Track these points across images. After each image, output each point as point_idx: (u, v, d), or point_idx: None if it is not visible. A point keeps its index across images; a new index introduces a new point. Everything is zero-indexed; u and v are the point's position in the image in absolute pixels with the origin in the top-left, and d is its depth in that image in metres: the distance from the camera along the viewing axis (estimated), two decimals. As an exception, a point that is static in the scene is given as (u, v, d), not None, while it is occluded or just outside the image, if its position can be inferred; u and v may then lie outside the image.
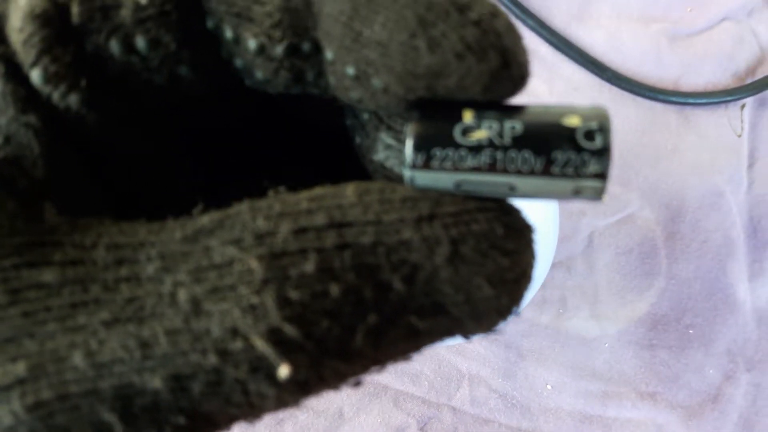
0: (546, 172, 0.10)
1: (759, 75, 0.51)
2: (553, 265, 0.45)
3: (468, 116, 0.10)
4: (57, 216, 0.10)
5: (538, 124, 0.10)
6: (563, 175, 0.10)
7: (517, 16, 0.50)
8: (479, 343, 0.43)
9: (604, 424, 0.43)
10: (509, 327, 0.44)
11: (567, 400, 0.43)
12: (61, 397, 0.08)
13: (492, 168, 0.10)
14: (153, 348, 0.09)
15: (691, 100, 0.49)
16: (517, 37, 0.10)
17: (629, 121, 0.49)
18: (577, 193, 0.10)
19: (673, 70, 0.50)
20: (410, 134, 0.10)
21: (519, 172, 0.10)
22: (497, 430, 0.42)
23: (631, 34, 0.50)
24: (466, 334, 0.11)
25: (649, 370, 0.44)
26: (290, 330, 0.09)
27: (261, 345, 0.09)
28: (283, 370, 0.09)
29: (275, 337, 0.09)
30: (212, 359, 0.09)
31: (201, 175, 0.12)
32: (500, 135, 0.10)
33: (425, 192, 0.10)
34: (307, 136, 0.13)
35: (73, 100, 0.10)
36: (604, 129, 0.09)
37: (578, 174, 0.09)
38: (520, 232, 0.10)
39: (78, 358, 0.08)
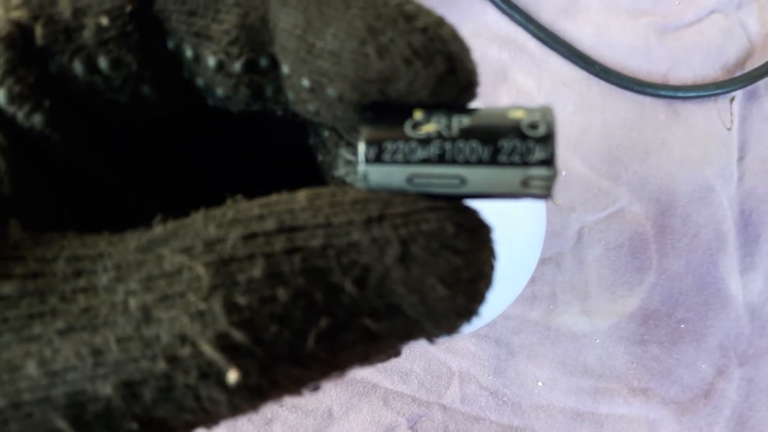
0: (493, 160, 0.10)
1: (748, 67, 0.51)
2: (543, 261, 0.45)
3: (418, 114, 0.10)
4: (21, 231, 0.10)
5: (484, 117, 0.10)
6: (510, 163, 0.10)
7: (504, 11, 0.50)
8: (469, 340, 0.43)
9: (596, 421, 0.43)
10: (499, 324, 0.44)
11: (558, 397, 0.43)
12: (14, 405, 0.09)
13: (441, 159, 0.10)
14: (105, 355, 0.09)
15: (680, 94, 0.49)
16: (463, 45, 0.10)
17: (618, 115, 0.49)
18: (525, 185, 0.10)
19: (662, 63, 0.50)
20: (363, 132, 0.10)
21: (468, 162, 0.10)
22: (488, 427, 0.42)
23: (620, 27, 0.50)
24: (428, 335, 0.11)
25: (641, 365, 0.44)
26: (238, 335, 0.09)
27: (209, 351, 0.09)
28: (232, 375, 0.09)
29: (223, 343, 0.09)
30: (162, 365, 0.09)
31: (169, 194, 0.13)
32: (448, 128, 0.10)
33: (376, 193, 0.10)
34: (272, 156, 0.13)
35: (37, 119, 0.10)
36: (546, 118, 0.10)
37: (525, 161, 0.10)
38: (474, 231, 0.10)
39: (32, 367, 0.09)
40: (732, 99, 0.50)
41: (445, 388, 0.43)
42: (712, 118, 0.49)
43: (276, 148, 0.13)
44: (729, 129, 0.50)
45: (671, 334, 0.45)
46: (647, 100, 0.49)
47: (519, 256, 0.37)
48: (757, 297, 0.46)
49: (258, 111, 0.12)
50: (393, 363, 0.43)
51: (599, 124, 0.49)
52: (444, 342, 0.44)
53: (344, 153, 0.12)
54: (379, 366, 0.43)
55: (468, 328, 0.41)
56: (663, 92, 0.49)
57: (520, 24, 0.50)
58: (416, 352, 0.43)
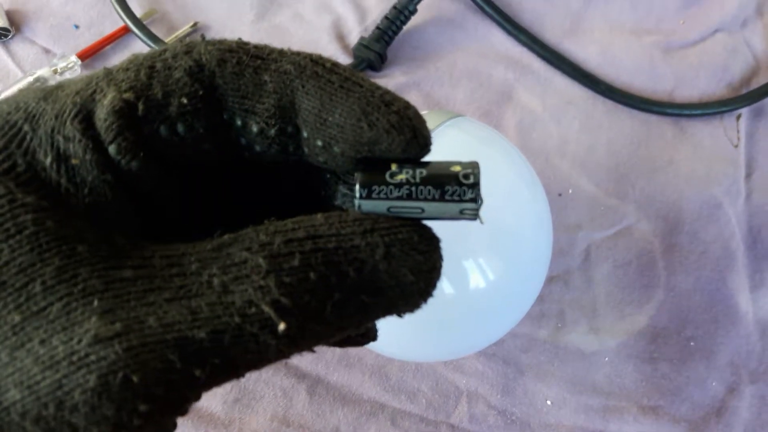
0: (441, 198, 0.15)
1: (754, 85, 0.52)
2: (551, 280, 0.46)
3: (393, 166, 0.15)
4: (123, 239, 0.14)
5: (436, 170, 0.15)
6: (452, 201, 0.15)
7: (509, 32, 0.51)
8: (477, 359, 0.44)
9: (606, 440, 0.43)
10: (507, 342, 0.45)
11: (567, 416, 0.43)
12: (143, 344, 0.13)
13: (409, 197, 0.15)
14: (199, 314, 0.13)
15: (686, 112, 0.50)
16: (421, 120, 0.15)
17: (624, 133, 0.50)
18: (462, 212, 0.15)
19: (668, 82, 0.51)
20: (358, 178, 0.15)
21: (425, 199, 0.15)
22: (497, 447, 0.43)
23: (624, 47, 0.51)
24: (400, 310, 0.15)
25: (651, 383, 0.44)
26: (285, 301, 0.13)
27: (267, 310, 0.13)
28: (281, 326, 0.13)
29: (276, 306, 0.13)
30: (237, 319, 0.13)
31: (216, 217, 0.18)
32: (413, 177, 0.15)
33: (368, 215, 0.15)
34: (287, 193, 0.19)
35: (134, 165, 0.15)
36: (474, 172, 0.15)
37: (461, 199, 0.15)
38: (430, 239, 0.15)
39: (152, 321, 0.13)
40: (738, 116, 0.51)
41: (453, 407, 0.43)
42: (718, 136, 0.50)
43: (289, 187, 0.19)
44: (736, 146, 0.50)
45: (681, 352, 0.45)
46: (653, 118, 0.50)
47: (526, 275, 0.37)
48: (768, 314, 0.46)
49: (280, 162, 0.17)
50: (400, 382, 0.44)
51: (605, 143, 0.49)
52: (452, 361, 0.44)
53: (342, 189, 0.17)
54: (387, 385, 0.43)
55: (476, 348, 0.41)
56: (669, 110, 0.50)
57: (525, 44, 0.51)
58: (424, 372, 0.44)
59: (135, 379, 0.13)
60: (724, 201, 0.48)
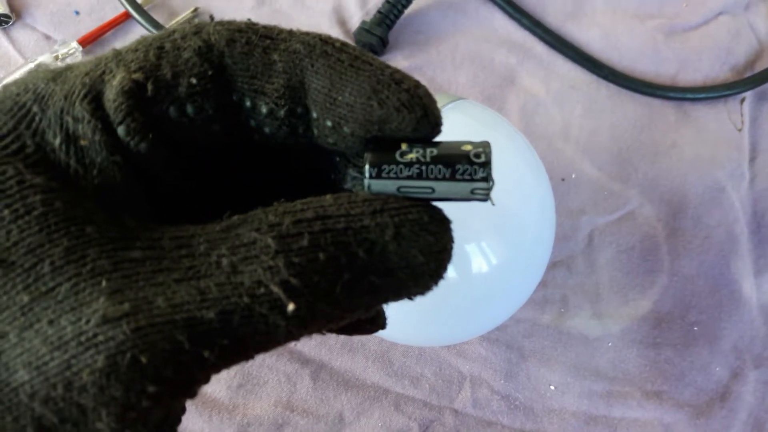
0: (452, 177, 0.15)
1: (758, 68, 0.51)
2: (554, 265, 0.46)
3: (404, 146, 0.15)
4: (132, 221, 0.15)
5: (446, 149, 0.15)
6: (462, 180, 0.15)
7: (512, 16, 0.51)
8: (480, 344, 0.44)
9: (610, 425, 0.43)
10: (510, 327, 0.45)
11: (571, 401, 0.44)
12: (151, 325, 0.13)
13: (419, 176, 0.15)
14: (207, 294, 0.13)
15: (689, 95, 0.50)
16: (432, 99, 0.15)
17: (627, 117, 0.49)
18: (473, 192, 0.15)
19: (671, 65, 0.51)
20: (367, 158, 0.15)
21: (435, 179, 0.15)
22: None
23: (627, 30, 0.51)
24: (410, 292, 0.15)
25: (654, 368, 0.44)
26: (294, 281, 0.13)
27: (276, 290, 0.13)
28: (290, 306, 0.13)
29: (285, 286, 0.13)
30: (246, 300, 0.13)
31: (225, 200, 0.17)
32: (424, 156, 0.15)
33: (378, 195, 0.15)
34: (296, 176, 0.19)
35: (143, 146, 0.15)
36: (485, 151, 0.15)
37: (472, 178, 0.15)
38: (441, 221, 0.15)
39: (160, 301, 0.13)
40: (742, 100, 0.51)
41: (456, 392, 0.43)
42: (722, 120, 0.50)
43: (298, 171, 0.19)
44: (740, 130, 0.50)
45: (684, 337, 0.45)
46: (656, 102, 0.50)
47: (529, 259, 0.37)
48: (772, 298, 0.46)
49: (290, 144, 0.17)
50: (404, 368, 0.44)
51: (608, 127, 0.49)
52: (455, 346, 0.44)
53: (351, 172, 0.17)
54: (390, 371, 0.44)
55: (479, 332, 0.41)
56: (672, 94, 0.50)
57: (527, 28, 0.51)
58: (427, 357, 0.44)
59: (143, 359, 0.13)
60: (727, 185, 0.48)
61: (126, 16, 0.51)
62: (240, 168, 0.18)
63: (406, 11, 0.50)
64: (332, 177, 0.18)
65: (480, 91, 0.50)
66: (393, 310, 0.37)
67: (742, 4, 0.53)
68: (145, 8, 0.50)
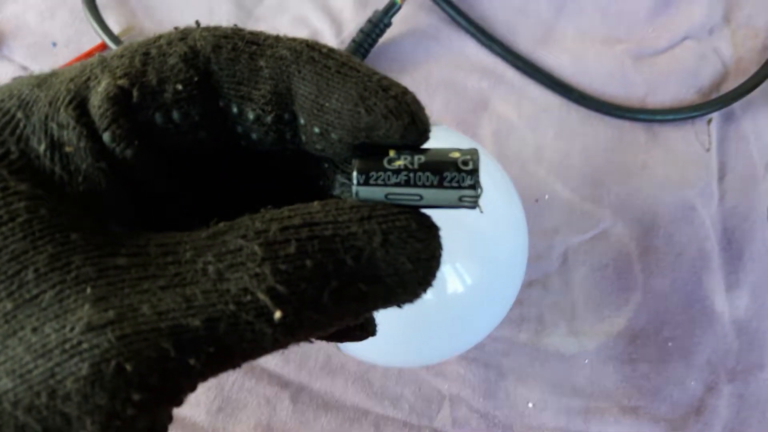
0: (440, 185, 0.15)
1: (724, 90, 0.54)
2: (530, 284, 0.47)
3: (391, 153, 0.15)
4: (118, 227, 0.15)
5: (434, 156, 0.15)
6: (450, 187, 0.15)
7: (483, 43, 0.53)
8: (459, 363, 0.45)
9: (589, 441, 0.44)
10: (488, 346, 0.45)
11: (549, 418, 0.44)
12: (137, 332, 0.13)
13: (407, 183, 0.15)
14: (193, 301, 0.13)
15: (658, 117, 0.52)
16: (420, 106, 0.15)
17: (598, 139, 0.51)
18: (461, 200, 0.15)
19: (639, 88, 0.53)
20: (355, 164, 0.15)
21: (423, 186, 0.15)
22: (480, 450, 0.43)
23: (596, 55, 0.53)
24: (399, 300, 0.15)
25: (631, 384, 0.45)
26: (281, 288, 0.14)
27: (263, 297, 0.13)
28: (277, 314, 0.14)
29: (271, 293, 0.13)
30: (232, 307, 0.13)
31: (211, 208, 0.18)
32: (411, 163, 0.15)
33: (365, 201, 0.15)
34: (283, 183, 0.19)
35: (129, 153, 0.15)
36: (473, 158, 0.15)
37: (460, 186, 0.15)
38: (429, 227, 0.15)
39: (146, 308, 0.13)
40: (709, 121, 0.53)
41: (436, 412, 0.44)
42: (690, 140, 0.52)
43: (287, 178, 0.19)
44: (708, 150, 0.52)
45: (659, 352, 0.46)
46: (626, 124, 0.52)
47: (503, 279, 0.38)
48: (744, 313, 0.48)
49: (276, 151, 0.17)
50: (383, 388, 0.44)
51: (580, 149, 0.51)
52: (434, 366, 0.45)
53: (339, 178, 0.17)
54: (370, 392, 0.44)
55: (457, 352, 0.42)
56: (641, 116, 0.52)
57: (498, 55, 0.53)
58: (406, 377, 0.44)
59: (128, 367, 0.13)
60: (698, 203, 0.50)
61: (103, 47, 0.52)
62: (228, 175, 0.18)
63: (380, 40, 0.52)
64: (321, 183, 0.18)
65: (454, 117, 0.51)
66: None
67: (706, 29, 0.55)
68: (122, 39, 0.51)
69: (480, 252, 0.38)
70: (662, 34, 0.55)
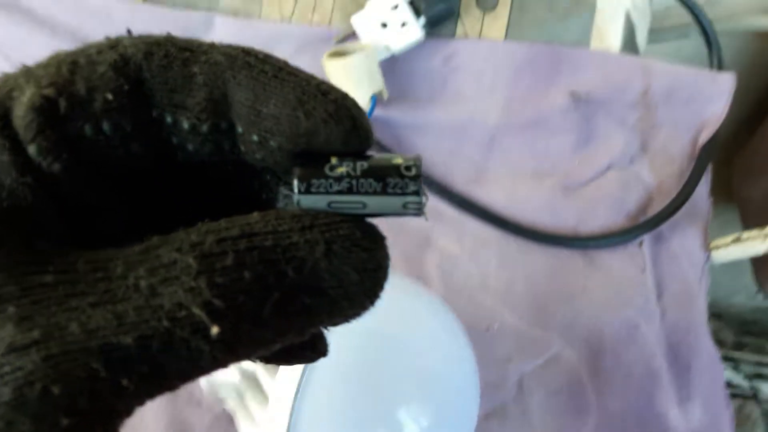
0: (383, 191, 0.15)
1: (650, 213, 0.57)
2: (488, 416, 0.47)
3: (334, 160, 0.15)
4: (46, 245, 0.14)
5: (376, 162, 0.15)
6: (394, 194, 0.15)
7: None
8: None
9: None
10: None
11: None
12: (64, 352, 0.12)
13: (350, 190, 0.15)
14: (125, 318, 0.13)
15: (591, 243, 0.55)
16: (361, 111, 0.15)
17: (538, 267, 0.54)
18: (405, 207, 0.15)
19: (570, 218, 0.56)
20: (296, 172, 0.15)
21: (366, 193, 0.15)
22: None
23: (527, 190, 0.57)
24: (345, 314, 0.15)
25: None
26: (218, 302, 0.13)
27: (198, 312, 0.13)
28: (214, 329, 0.13)
29: (207, 308, 0.13)
30: (165, 323, 0.13)
31: (146, 225, 0.17)
32: (354, 170, 0.15)
33: (307, 211, 0.15)
34: (223, 198, 0.18)
35: (56, 167, 0.14)
36: (416, 164, 0.15)
37: (403, 192, 0.15)
38: (374, 236, 0.15)
39: (74, 326, 0.13)
40: (641, 243, 0.56)
41: None
42: (626, 262, 0.55)
43: (228, 191, 0.18)
44: (643, 271, 0.54)
45: (621, 475, 0.46)
46: (563, 252, 0.55)
47: (458, 416, 0.39)
48: (698, 424, 0.49)
49: (215, 162, 0.16)
50: None
51: (522, 277, 0.53)
52: None
53: (283, 190, 0.17)
54: None
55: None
56: (575, 243, 0.55)
57: (437, 194, 0.56)
58: None
59: (55, 390, 0.12)
60: (640, 322, 0.52)
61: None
62: (165, 188, 0.17)
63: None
64: (264, 197, 0.18)
65: (400, 252, 0.54)
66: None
67: (627, 158, 0.59)
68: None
69: (433, 392, 0.39)
70: (587, 166, 0.60)
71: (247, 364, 0.41)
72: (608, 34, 0.63)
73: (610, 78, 0.61)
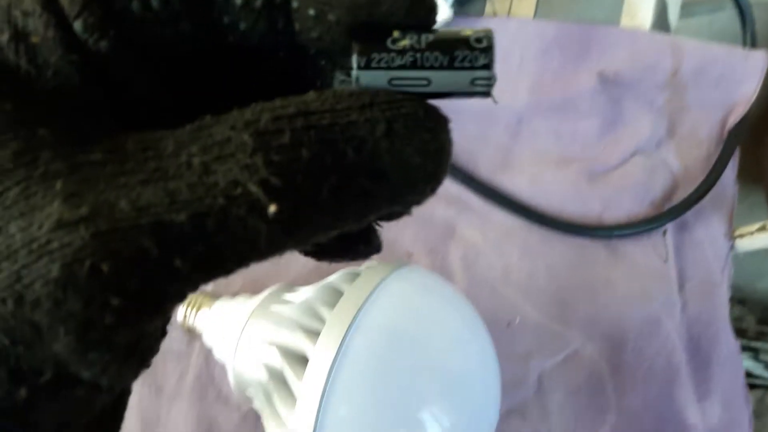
0: (450, 65, 0.14)
1: (675, 200, 0.57)
2: (508, 414, 0.48)
3: (396, 33, 0.14)
4: (94, 127, 0.14)
5: (443, 34, 0.14)
6: (462, 68, 0.14)
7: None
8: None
9: None
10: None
11: None
12: (113, 229, 0.12)
13: (413, 65, 0.14)
14: (177, 196, 0.12)
15: (615, 233, 0.55)
16: None
17: (561, 259, 0.53)
18: (473, 84, 0.14)
19: (595, 205, 0.56)
20: (355, 47, 0.14)
21: (432, 67, 0.14)
22: None
23: (552, 176, 0.56)
24: (405, 200, 0.14)
25: (615, 508, 0.46)
26: (275, 180, 0.13)
27: (255, 190, 0.13)
28: (272, 208, 0.13)
29: (265, 186, 0.13)
30: (221, 201, 0.12)
31: (193, 117, 0.16)
32: (418, 42, 0.14)
33: (367, 88, 0.14)
34: (280, 89, 0.17)
35: (103, 45, 0.14)
36: (487, 36, 0.14)
37: (472, 65, 0.14)
38: (437, 116, 0.14)
39: (123, 203, 0.12)
40: (664, 232, 0.56)
41: None
42: (648, 253, 0.54)
43: (280, 82, 0.17)
44: (666, 261, 0.54)
45: (639, 473, 0.47)
46: (586, 242, 0.54)
47: (479, 415, 0.39)
48: (717, 423, 0.50)
49: (267, 46, 0.16)
50: None
51: (544, 269, 0.53)
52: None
53: (339, 75, 0.16)
54: None
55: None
56: (599, 233, 0.55)
57: (462, 182, 0.55)
58: None
59: (104, 268, 0.12)
60: (662, 315, 0.52)
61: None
62: (215, 78, 0.17)
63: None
64: (318, 85, 0.17)
65: (423, 245, 0.53)
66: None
67: (653, 143, 0.58)
68: None
69: (454, 392, 0.39)
70: (613, 151, 0.58)
71: (274, 362, 0.41)
72: (639, 10, 0.61)
73: (640, 57, 0.59)
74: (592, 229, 0.55)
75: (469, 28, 0.14)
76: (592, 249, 0.55)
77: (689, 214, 0.57)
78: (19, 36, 0.14)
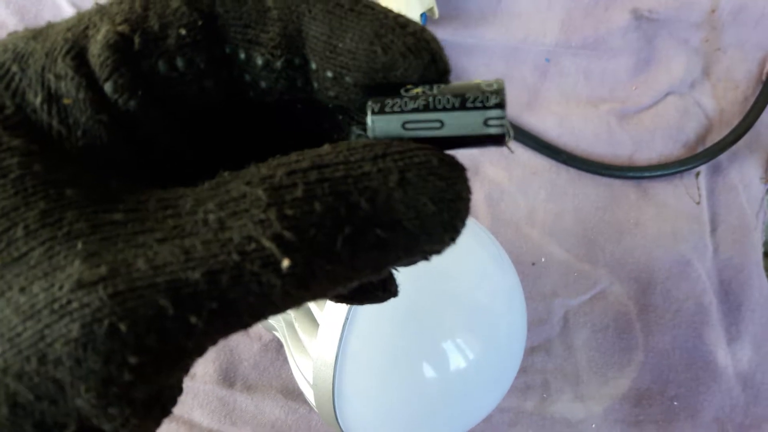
0: (462, 106, 0.14)
1: (709, 143, 0.56)
2: (532, 350, 0.47)
3: (409, 86, 0.15)
4: (119, 184, 0.14)
5: (455, 83, 0.15)
6: (474, 107, 0.14)
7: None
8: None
9: None
10: (495, 417, 0.46)
11: (561, 487, 0.44)
12: (131, 289, 0.12)
13: (426, 107, 0.14)
14: (193, 253, 0.13)
15: (646, 174, 0.53)
16: (439, 44, 0.15)
17: (589, 199, 0.52)
18: (487, 123, 0.14)
19: (626, 146, 0.54)
20: (370, 101, 0.15)
21: (444, 108, 0.14)
22: None
23: (582, 116, 0.55)
24: (423, 249, 0.14)
25: (640, 447, 0.46)
26: (288, 235, 0.13)
27: (268, 245, 0.13)
28: (285, 262, 0.13)
29: (278, 241, 0.13)
30: (235, 257, 0.13)
31: (215, 168, 0.17)
32: (431, 89, 0.14)
33: (381, 138, 0.14)
34: (298, 141, 0.18)
35: (132, 104, 0.15)
36: (497, 81, 0.15)
37: (484, 105, 0.14)
38: (453, 164, 0.14)
39: (141, 263, 0.12)
40: (697, 174, 0.54)
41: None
42: (680, 195, 0.53)
43: (298, 135, 0.18)
44: (698, 203, 0.53)
45: (666, 412, 0.47)
46: (616, 183, 0.53)
47: (504, 350, 0.39)
48: (747, 365, 0.49)
49: (287, 102, 0.16)
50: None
51: (572, 210, 0.52)
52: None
53: (355, 130, 0.17)
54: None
55: (464, 428, 0.42)
56: (630, 174, 0.53)
57: (486, 120, 0.53)
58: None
59: (122, 327, 0.12)
60: (692, 257, 0.51)
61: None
62: (236, 131, 0.18)
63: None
64: (335, 137, 0.18)
65: (446, 184, 0.52)
66: (378, 413, 0.38)
67: (687, 84, 0.57)
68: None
69: (479, 325, 0.39)
70: (645, 92, 0.57)
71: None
72: (677, -56, 0.58)
73: (677, -7, 0.57)
74: (623, 169, 0.54)
75: (478, 79, 0.15)
76: (622, 190, 0.54)
77: (723, 157, 0.55)
78: (52, 98, 0.14)
